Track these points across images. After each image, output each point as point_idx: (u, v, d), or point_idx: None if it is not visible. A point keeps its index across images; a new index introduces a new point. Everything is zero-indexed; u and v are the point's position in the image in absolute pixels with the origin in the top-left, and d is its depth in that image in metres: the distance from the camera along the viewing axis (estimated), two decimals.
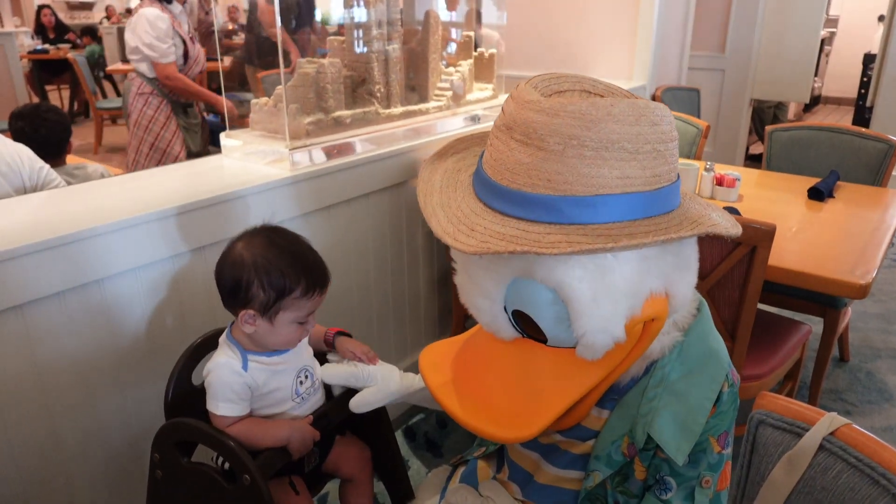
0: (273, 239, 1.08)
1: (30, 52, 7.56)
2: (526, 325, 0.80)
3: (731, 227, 0.77)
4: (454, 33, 2.31)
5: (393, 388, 1.11)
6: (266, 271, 1.04)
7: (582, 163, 0.69)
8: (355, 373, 1.09)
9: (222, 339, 1.16)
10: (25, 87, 6.72)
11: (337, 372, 1.11)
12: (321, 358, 1.26)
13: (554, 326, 0.77)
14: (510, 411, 0.79)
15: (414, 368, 2.21)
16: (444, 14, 2.30)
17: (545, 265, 0.73)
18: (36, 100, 7.42)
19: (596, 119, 0.69)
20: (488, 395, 0.81)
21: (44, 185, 1.95)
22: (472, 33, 2.33)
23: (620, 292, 0.74)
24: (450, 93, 2.17)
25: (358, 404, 1.08)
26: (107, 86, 8.06)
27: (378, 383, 1.09)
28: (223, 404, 1.09)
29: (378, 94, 1.94)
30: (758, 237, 1.47)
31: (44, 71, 7.60)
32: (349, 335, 1.26)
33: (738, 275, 1.54)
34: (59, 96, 8.03)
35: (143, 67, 3.08)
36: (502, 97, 2.40)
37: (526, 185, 0.72)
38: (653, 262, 0.75)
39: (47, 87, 7.79)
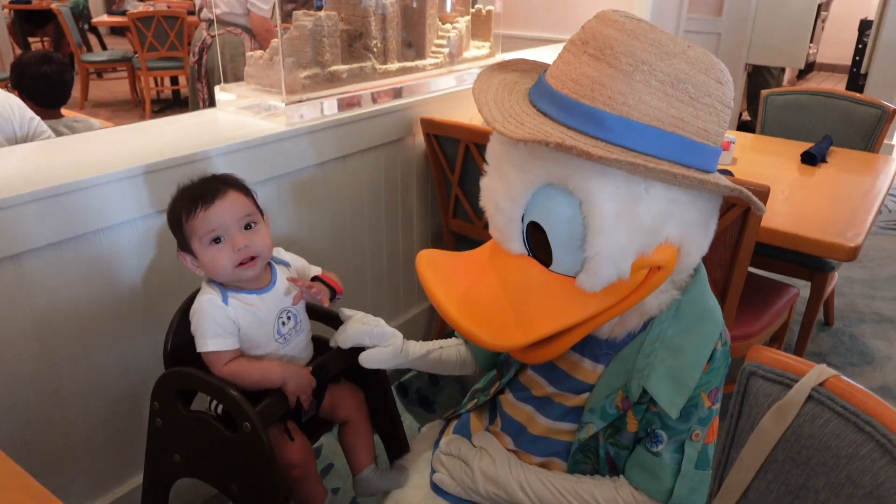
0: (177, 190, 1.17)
1: (11, 2, 7.33)
2: (535, 244, 0.82)
3: (760, 204, 0.79)
4: None
5: (402, 352, 1.09)
6: (168, 217, 1.16)
7: (646, 89, 0.71)
8: (369, 332, 1.08)
9: (204, 281, 1.18)
10: (8, 38, 6.54)
11: (350, 335, 1.10)
12: (328, 319, 1.27)
13: (564, 245, 0.78)
14: (497, 319, 0.79)
15: (408, 325, 2.24)
16: None
17: (582, 174, 0.74)
18: (18, 51, 7.24)
19: (672, 53, 0.72)
20: (480, 299, 0.82)
21: (34, 135, 1.93)
22: None
23: (641, 225, 0.75)
24: (446, 50, 2.14)
25: (367, 360, 1.06)
26: (91, 39, 7.85)
27: (389, 345, 1.08)
28: (212, 340, 1.11)
29: (375, 50, 1.91)
30: None
31: (27, 22, 7.38)
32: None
33: (730, 236, 1.56)
34: (42, 49, 7.83)
35: (247, 21, 2.80)
36: (499, 56, 2.37)
37: (585, 97, 0.73)
38: (679, 208, 0.77)
39: (30, 39, 7.58)
